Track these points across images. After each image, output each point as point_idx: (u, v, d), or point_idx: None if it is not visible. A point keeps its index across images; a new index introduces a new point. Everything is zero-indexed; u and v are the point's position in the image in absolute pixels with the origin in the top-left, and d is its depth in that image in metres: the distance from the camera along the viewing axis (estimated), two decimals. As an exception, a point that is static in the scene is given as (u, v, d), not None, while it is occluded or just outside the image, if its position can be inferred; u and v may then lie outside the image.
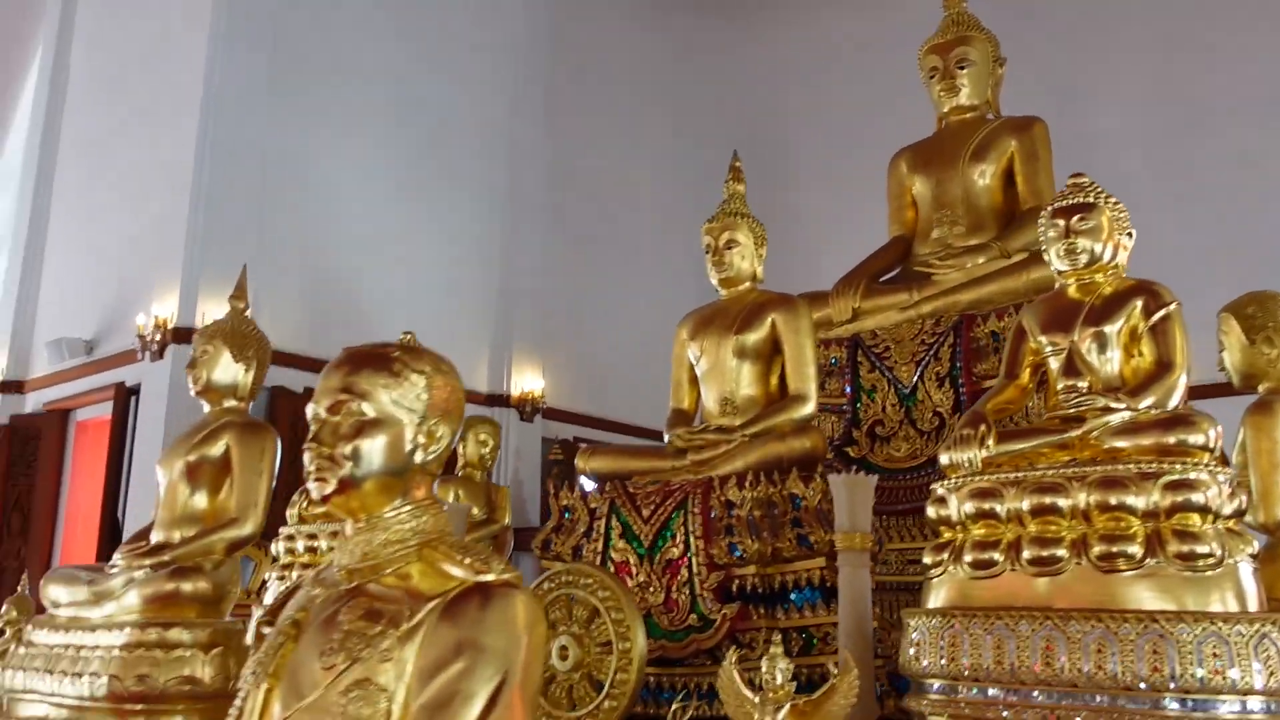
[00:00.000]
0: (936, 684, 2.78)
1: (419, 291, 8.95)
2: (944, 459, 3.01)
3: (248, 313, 2.96)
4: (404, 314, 8.11)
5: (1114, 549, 2.57)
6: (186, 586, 2.42)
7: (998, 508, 2.77)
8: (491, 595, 1.43)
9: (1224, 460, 2.69)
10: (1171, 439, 2.66)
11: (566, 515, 4.38)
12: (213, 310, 6.90)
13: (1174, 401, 2.83)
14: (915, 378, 5.12)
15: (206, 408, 2.82)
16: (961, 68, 5.72)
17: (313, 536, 4.76)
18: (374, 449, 1.55)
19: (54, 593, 2.66)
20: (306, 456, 1.57)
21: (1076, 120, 8.53)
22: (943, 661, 2.74)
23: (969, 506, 2.83)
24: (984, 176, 5.54)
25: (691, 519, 3.85)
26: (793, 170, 11.01)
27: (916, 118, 6.18)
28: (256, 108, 8.20)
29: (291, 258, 8.24)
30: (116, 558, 2.59)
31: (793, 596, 3.69)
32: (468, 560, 1.50)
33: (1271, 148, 9.02)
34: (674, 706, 3.29)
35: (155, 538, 2.63)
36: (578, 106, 10.80)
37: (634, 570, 3.93)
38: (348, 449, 1.54)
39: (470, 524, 7.41)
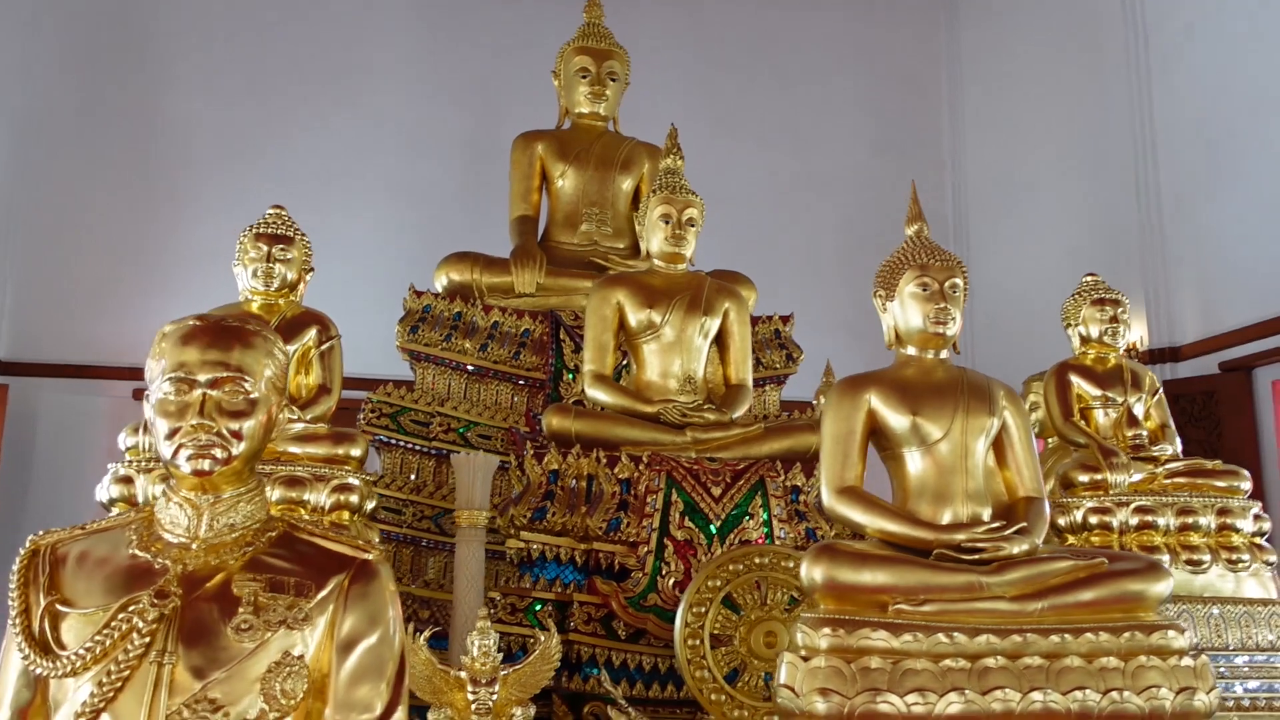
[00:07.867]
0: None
1: None
2: (1083, 478, 3.82)
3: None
4: None
5: (1234, 557, 3.74)
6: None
7: (1159, 520, 3.72)
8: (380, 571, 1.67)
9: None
10: (1222, 483, 3.94)
11: (554, 482, 3.79)
12: None
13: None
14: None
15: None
16: (613, 79, 6.26)
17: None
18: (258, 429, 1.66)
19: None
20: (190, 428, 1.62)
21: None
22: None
23: (1134, 519, 3.71)
24: (626, 186, 6.15)
25: (773, 501, 3.81)
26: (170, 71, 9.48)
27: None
28: None
29: None
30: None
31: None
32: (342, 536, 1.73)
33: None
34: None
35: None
36: None
37: (699, 552, 3.69)
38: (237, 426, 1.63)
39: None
